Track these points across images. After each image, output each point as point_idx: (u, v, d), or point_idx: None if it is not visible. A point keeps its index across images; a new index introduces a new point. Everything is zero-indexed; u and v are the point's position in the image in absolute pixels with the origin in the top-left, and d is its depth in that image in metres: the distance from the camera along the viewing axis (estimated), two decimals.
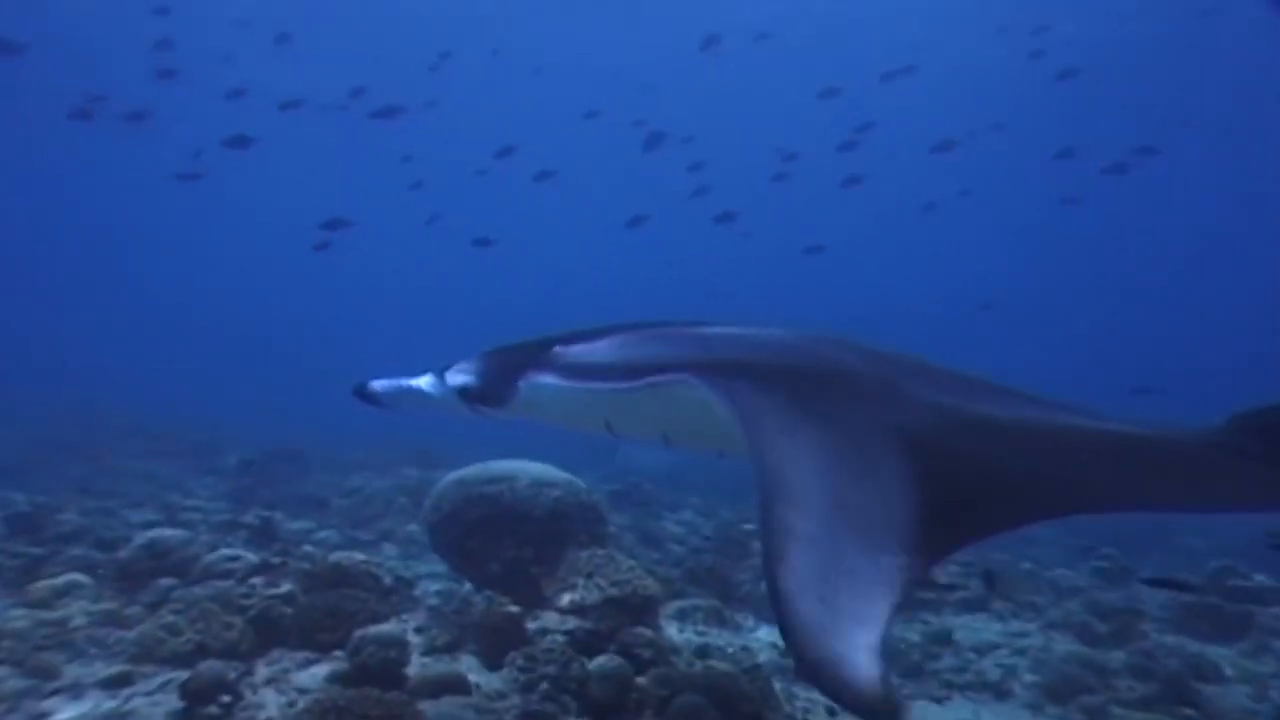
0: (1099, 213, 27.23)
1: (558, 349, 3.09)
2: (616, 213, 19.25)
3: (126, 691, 4.43)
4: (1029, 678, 6.43)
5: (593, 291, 39.97)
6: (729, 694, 4.54)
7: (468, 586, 6.33)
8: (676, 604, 6.88)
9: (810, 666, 1.49)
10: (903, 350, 2.91)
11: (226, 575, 5.99)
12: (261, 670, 4.64)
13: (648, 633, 5.10)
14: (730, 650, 5.90)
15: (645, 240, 19.69)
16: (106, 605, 5.75)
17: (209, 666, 4.36)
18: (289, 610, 5.23)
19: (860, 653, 1.49)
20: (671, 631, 6.22)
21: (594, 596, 5.25)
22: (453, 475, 6.52)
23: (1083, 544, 10.98)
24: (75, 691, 4.48)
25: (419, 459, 13.70)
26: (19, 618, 5.45)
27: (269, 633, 5.08)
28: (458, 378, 3.31)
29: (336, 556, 6.07)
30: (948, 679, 6.32)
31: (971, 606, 8.10)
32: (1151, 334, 42.45)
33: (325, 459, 13.96)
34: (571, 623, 5.17)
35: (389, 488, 11.15)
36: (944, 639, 7.01)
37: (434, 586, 6.89)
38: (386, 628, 4.60)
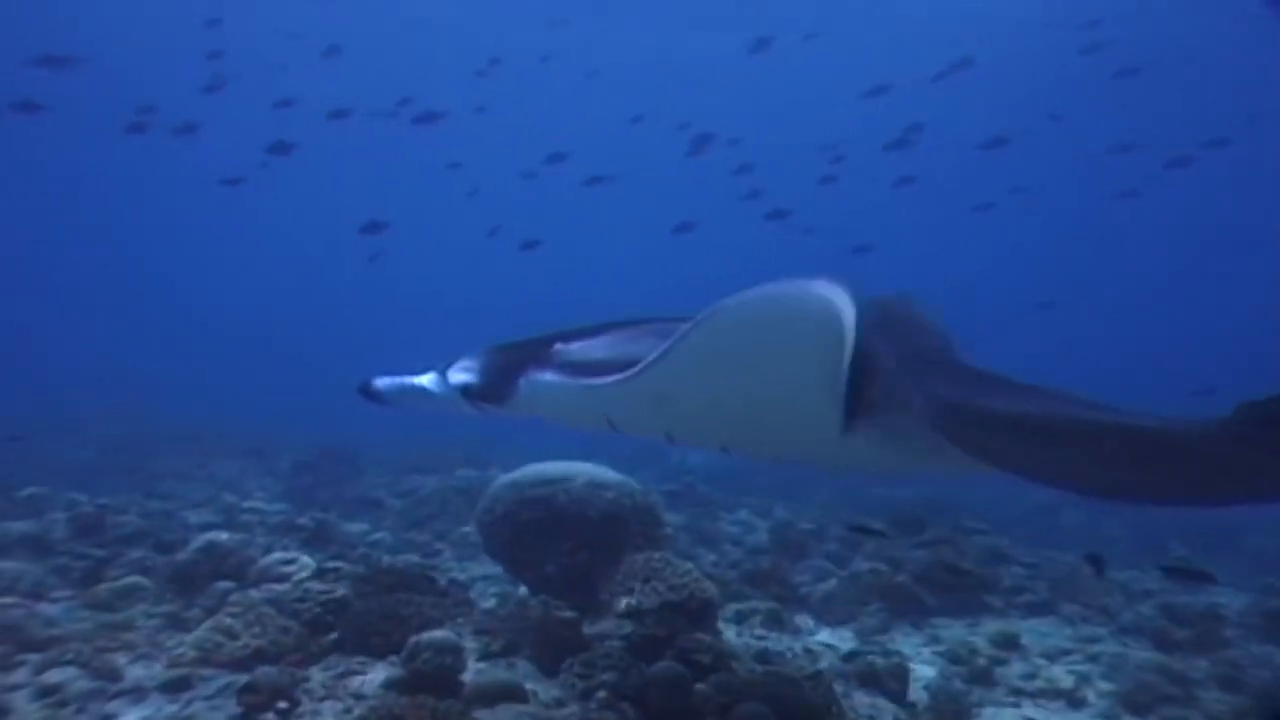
0: (1158, 207, 26.46)
1: (558, 346, 3.09)
2: (665, 215, 19.14)
3: (187, 695, 4.44)
4: (1103, 685, 6.12)
5: (645, 291, 39.91)
6: (792, 701, 4.38)
7: (523, 590, 6.26)
8: (734, 606, 6.72)
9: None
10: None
11: (282, 579, 6.01)
12: (317, 675, 4.60)
13: (706, 638, 4.97)
14: (791, 655, 5.75)
15: (693, 242, 19.58)
16: (167, 608, 5.83)
17: (265, 672, 4.35)
18: (344, 614, 5.20)
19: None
20: (730, 635, 6.08)
21: (651, 600, 5.12)
22: (505, 477, 6.46)
23: (1153, 543, 10.55)
24: (137, 695, 4.51)
25: (472, 459, 13.71)
26: (84, 619, 5.56)
27: (324, 637, 5.07)
28: (459, 376, 3.32)
29: (391, 560, 6.05)
30: (1017, 686, 6.06)
31: (1038, 610, 7.80)
32: (1214, 332, 41.10)
33: (378, 460, 14.05)
34: (628, 627, 5.07)
35: (443, 488, 11.13)
36: (1011, 643, 6.76)
37: (490, 589, 6.84)
38: (442, 633, 4.54)
